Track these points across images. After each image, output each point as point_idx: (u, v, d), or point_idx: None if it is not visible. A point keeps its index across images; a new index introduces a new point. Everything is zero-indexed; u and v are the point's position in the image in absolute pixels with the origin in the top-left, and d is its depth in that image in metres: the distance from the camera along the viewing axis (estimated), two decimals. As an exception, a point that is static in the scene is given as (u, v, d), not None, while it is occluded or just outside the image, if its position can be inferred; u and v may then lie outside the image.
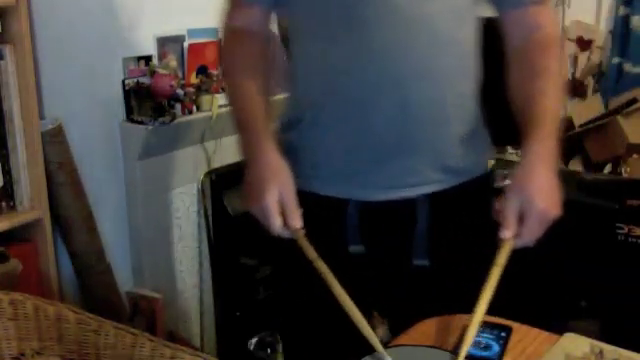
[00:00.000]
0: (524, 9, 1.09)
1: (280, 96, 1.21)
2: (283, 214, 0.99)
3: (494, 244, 0.94)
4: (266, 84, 1.13)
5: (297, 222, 0.99)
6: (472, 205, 1.14)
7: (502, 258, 0.92)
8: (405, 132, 1.04)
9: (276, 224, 0.99)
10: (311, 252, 0.97)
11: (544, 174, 0.95)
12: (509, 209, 0.94)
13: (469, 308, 0.93)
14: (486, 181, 1.19)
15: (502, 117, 1.06)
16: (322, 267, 0.96)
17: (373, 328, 0.92)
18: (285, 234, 1.00)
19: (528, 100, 1.03)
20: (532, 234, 0.93)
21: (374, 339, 0.89)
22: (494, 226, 0.96)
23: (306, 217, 1.01)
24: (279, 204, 1.00)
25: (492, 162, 1.26)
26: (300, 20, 1.11)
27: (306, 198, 1.09)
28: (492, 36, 1.12)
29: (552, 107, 1.01)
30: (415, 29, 1.01)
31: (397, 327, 1.06)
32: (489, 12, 1.13)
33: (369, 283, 1.15)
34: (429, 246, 1.11)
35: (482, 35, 1.12)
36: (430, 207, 1.10)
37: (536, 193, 0.93)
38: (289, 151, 1.12)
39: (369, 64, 1.01)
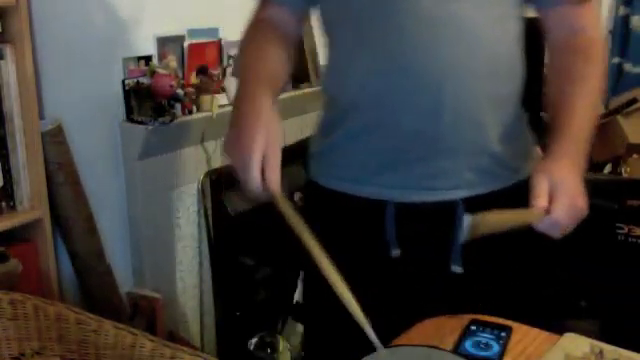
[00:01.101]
0: (564, 9, 1.07)
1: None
2: (263, 170, 0.90)
3: (531, 253, 0.92)
4: (283, 58, 1.09)
5: (275, 180, 0.90)
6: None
7: (522, 217, 0.90)
8: (438, 133, 1.02)
9: (255, 178, 0.90)
10: (296, 221, 0.89)
11: (569, 168, 0.93)
12: (538, 186, 0.91)
13: (500, 314, 0.91)
14: (528, 186, 1.17)
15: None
16: (309, 240, 0.88)
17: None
18: (261, 193, 0.91)
19: (561, 104, 1.01)
20: (563, 215, 0.90)
21: (366, 326, 0.85)
22: (533, 234, 0.93)
23: (343, 218, 0.97)
24: (262, 157, 0.90)
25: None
26: (331, 21, 1.10)
27: (342, 199, 1.08)
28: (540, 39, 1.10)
29: (583, 113, 0.99)
30: (442, 30, 1.00)
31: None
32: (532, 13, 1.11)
33: (405, 287, 1.12)
34: (464, 252, 1.08)
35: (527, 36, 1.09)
36: (467, 211, 1.07)
37: (564, 176, 0.91)
38: (325, 152, 1.11)
39: (399, 65, 1.00)
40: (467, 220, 0.91)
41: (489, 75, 1.03)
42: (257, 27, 1.14)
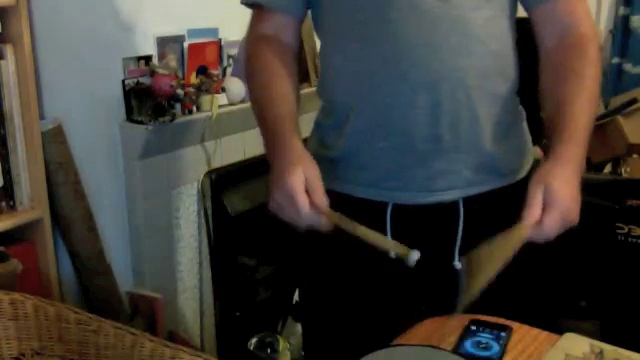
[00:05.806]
0: (553, 5, 1.06)
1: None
2: (308, 196, 0.94)
3: (529, 250, 0.92)
4: (294, 85, 1.10)
5: (322, 201, 0.94)
6: (510, 209, 1.12)
7: (514, 242, 0.90)
8: (439, 133, 1.02)
9: (303, 204, 0.93)
10: (352, 225, 0.94)
11: (568, 175, 0.92)
12: (533, 196, 0.91)
13: (500, 314, 0.91)
14: (526, 184, 1.17)
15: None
16: (366, 232, 0.93)
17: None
18: (313, 218, 0.94)
19: (557, 105, 0.99)
20: (552, 226, 0.90)
21: (393, 244, 0.90)
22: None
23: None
24: (303, 185, 0.94)
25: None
26: (330, 24, 1.10)
27: (343, 201, 1.07)
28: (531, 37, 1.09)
29: (581, 113, 0.97)
30: (441, 29, 1.00)
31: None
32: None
33: (408, 286, 1.12)
34: (463, 249, 1.08)
35: (520, 36, 1.09)
36: (467, 210, 1.07)
37: (560, 187, 0.90)
38: (325, 157, 1.11)
39: (399, 65, 1.00)
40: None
41: (485, 73, 1.03)
42: (263, 45, 1.13)
